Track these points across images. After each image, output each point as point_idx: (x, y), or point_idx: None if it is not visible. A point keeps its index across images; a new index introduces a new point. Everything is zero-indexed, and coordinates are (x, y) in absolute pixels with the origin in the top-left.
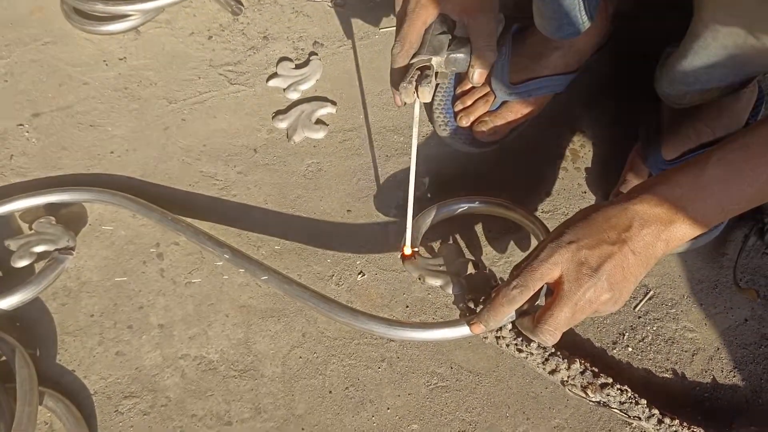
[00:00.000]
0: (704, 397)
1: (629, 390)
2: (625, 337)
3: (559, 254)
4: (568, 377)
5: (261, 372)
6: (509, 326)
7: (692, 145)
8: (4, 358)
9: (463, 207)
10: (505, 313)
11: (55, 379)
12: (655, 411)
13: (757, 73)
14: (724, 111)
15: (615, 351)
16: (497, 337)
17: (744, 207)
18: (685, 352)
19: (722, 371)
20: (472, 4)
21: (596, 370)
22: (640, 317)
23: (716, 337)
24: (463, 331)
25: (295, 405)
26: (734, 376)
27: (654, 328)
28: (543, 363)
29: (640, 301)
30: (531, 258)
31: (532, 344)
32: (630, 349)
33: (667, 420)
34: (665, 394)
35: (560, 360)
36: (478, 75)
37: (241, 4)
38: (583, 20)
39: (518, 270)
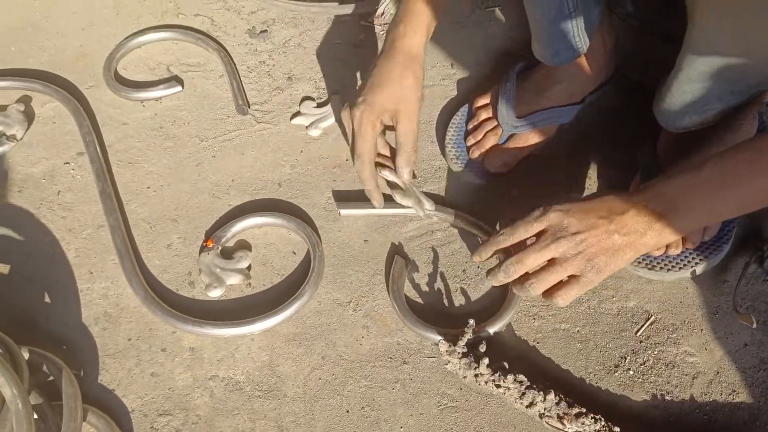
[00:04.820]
0: (703, 420)
1: (602, 419)
2: (627, 361)
3: (546, 216)
4: (545, 409)
5: (284, 392)
6: (486, 362)
7: None
8: (51, 378)
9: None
10: (489, 250)
11: (97, 397)
12: None
13: (753, 89)
14: (722, 142)
15: (617, 374)
16: (476, 375)
17: (734, 211)
18: (686, 375)
19: (721, 394)
20: (400, 114)
21: (570, 400)
22: (641, 341)
23: (716, 361)
24: None
25: (315, 424)
26: (733, 399)
27: (655, 352)
28: (520, 398)
29: (642, 326)
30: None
31: (508, 378)
32: (631, 372)
33: None
34: (665, 416)
35: (536, 393)
36: (407, 173)
37: (248, 106)
38: (579, 43)
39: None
